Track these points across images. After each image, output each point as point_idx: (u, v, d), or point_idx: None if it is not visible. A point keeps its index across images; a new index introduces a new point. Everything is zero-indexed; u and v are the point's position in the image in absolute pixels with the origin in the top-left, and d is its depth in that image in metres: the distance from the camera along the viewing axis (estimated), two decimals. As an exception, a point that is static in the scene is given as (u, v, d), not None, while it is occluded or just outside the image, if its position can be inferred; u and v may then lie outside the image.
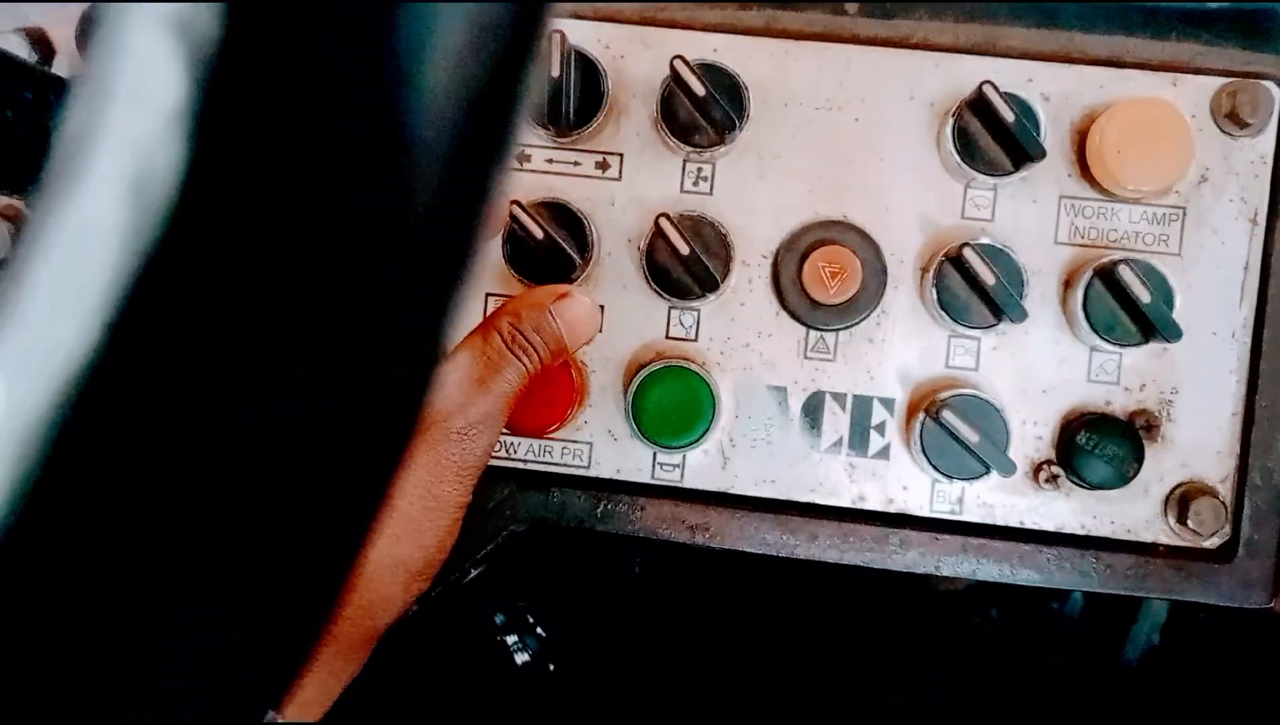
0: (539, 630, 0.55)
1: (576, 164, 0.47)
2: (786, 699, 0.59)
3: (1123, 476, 0.44)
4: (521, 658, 0.54)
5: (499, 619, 0.53)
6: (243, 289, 0.14)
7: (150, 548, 0.15)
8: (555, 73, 0.44)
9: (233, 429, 0.15)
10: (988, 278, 0.43)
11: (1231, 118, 0.45)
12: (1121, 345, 0.44)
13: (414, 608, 0.42)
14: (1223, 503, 0.44)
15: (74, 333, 0.12)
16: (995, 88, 0.43)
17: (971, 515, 0.46)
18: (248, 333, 0.15)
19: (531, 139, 0.46)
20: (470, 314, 0.46)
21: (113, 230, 0.12)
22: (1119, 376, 0.46)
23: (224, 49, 0.12)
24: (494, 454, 0.44)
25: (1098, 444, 0.44)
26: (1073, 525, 0.46)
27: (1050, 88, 0.45)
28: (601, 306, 0.47)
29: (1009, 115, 0.42)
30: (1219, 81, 0.45)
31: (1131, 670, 0.62)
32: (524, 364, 0.42)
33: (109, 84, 0.12)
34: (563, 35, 0.44)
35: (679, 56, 0.44)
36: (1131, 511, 0.46)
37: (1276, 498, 0.45)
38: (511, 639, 0.53)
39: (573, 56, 0.44)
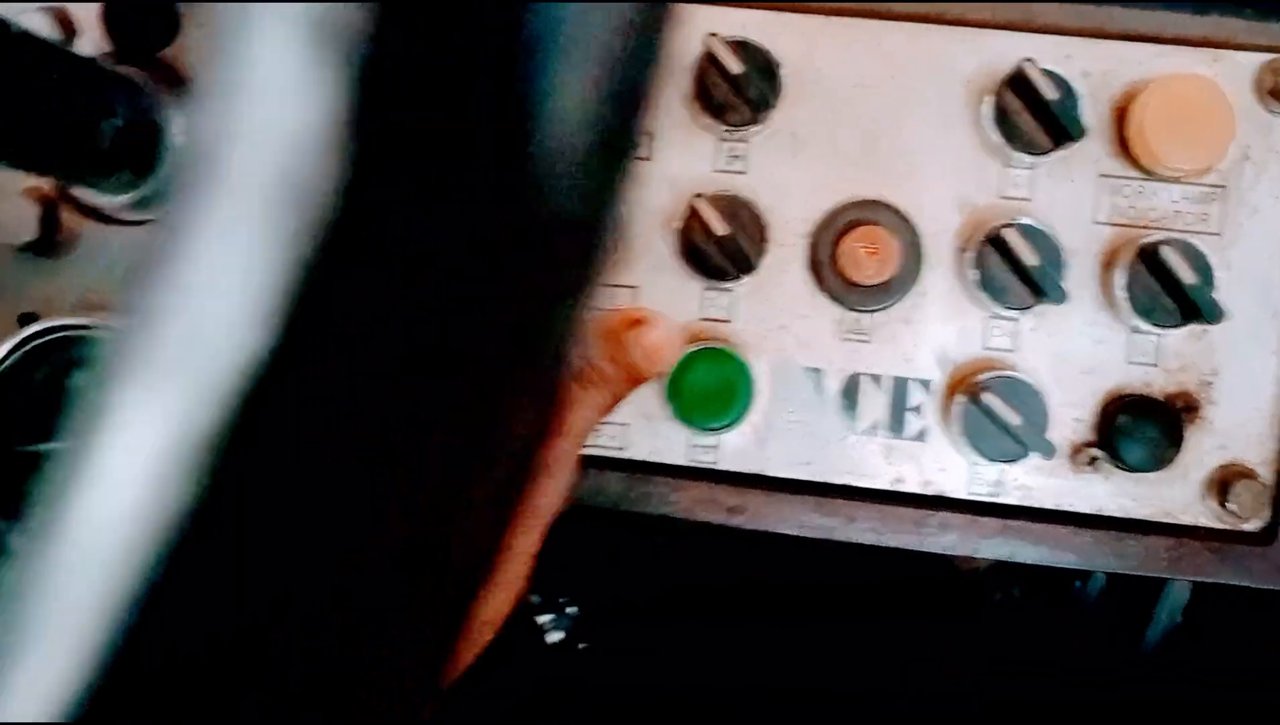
0: (570, 610, 0.55)
1: (609, 143, 0.46)
2: (814, 685, 0.59)
3: (1162, 459, 0.44)
4: (553, 637, 0.54)
5: (534, 599, 0.53)
6: (376, 301, 0.13)
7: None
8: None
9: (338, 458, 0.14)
10: (1030, 258, 0.42)
11: (1274, 95, 0.44)
12: (1161, 327, 0.44)
13: None
14: (1263, 485, 0.44)
15: (243, 336, 0.11)
16: (1035, 65, 0.42)
17: (1010, 498, 0.46)
18: (374, 347, 0.14)
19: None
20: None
21: (276, 227, 0.11)
22: (1158, 358, 0.45)
23: (375, 50, 0.11)
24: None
25: (1137, 426, 0.44)
26: (1111, 508, 0.45)
27: (1089, 64, 0.45)
28: (633, 287, 0.46)
29: (1051, 93, 0.42)
30: (1262, 58, 0.44)
31: (1154, 653, 0.62)
32: (597, 399, 0.39)
33: (249, 81, 0.11)
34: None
35: (713, 34, 0.43)
36: (1170, 494, 0.45)
37: (1316, 480, 0.45)
38: (544, 618, 0.53)
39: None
